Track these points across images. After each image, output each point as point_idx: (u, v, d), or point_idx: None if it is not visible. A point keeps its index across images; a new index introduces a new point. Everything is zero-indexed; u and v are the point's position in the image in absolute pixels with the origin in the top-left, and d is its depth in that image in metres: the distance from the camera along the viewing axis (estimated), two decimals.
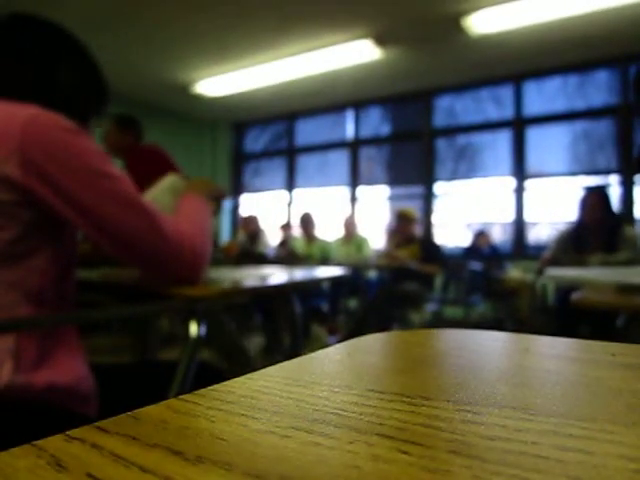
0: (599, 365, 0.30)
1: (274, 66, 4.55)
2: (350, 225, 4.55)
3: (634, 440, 0.18)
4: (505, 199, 4.88)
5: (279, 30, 3.92)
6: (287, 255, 4.25)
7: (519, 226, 4.77)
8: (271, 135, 6.56)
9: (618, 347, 0.35)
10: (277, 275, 1.25)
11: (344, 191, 5.87)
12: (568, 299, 1.23)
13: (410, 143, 5.48)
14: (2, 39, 0.79)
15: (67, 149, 0.72)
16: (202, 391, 0.26)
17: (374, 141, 5.80)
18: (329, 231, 4.97)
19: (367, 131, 5.78)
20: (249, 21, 3.78)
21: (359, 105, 5.70)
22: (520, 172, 4.76)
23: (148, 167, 2.28)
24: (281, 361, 0.32)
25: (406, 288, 3.62)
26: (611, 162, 4.45)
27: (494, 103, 4.98)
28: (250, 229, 4.75)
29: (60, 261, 0.78)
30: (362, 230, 4.68)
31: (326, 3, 3.47)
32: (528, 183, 4.75)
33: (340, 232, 4.62)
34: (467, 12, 3.52)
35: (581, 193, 2.89)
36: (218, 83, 5.02)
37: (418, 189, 5.36)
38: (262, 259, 3.79)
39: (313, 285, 3.83)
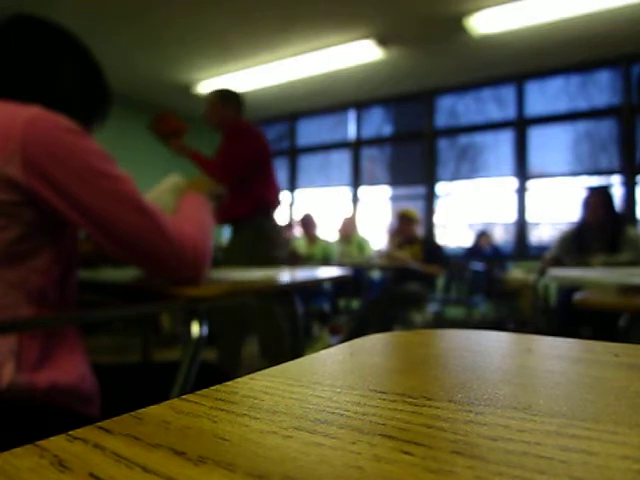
0: (602, 365, 0.30)
1: (276, 66, 4.55)
2: (347, 226, 4.54)
3: (638, 441, 0.18)
4: (507, 199, 4.87)
5: (281, 30, 3.93)
6: (289, 255, 4.25)
7: (521, 226, 4.77)
8: (273, 135, 6.56)
9: (621, 347, 0.35)
10: (279, 275, 1.25)
11: (346, 191, 5.87)
12: (570, 299, 1.23)
13: (412, 143, 5.48)
14: (4, 39, 0.79)
15: (68, 149, 0.72)
16: (204, 391, 0.26)
17: (376, 141, 5.80)
18: (331, 232, 4.97)
19: (369, 131, 5.78)
20: (251, 22, 3.78)
21: (361, 105, 5.70)
22: (522, 172, 4.76)
23: (245, 143, 2.33)
24: (283, 361, 0.32)
25: (408, 288, 3.62)
26: (613, 162, 4.44)
27: (496, 103, 4.98)
28: None
29: (61, 261, 0.78)
30: (362, 230, 4.67)
31: (328, 3, 3.48)
32: (530, 183, 4.75)
33: (339, 233, 4.61)
34: (469, 12, 3.51)
35: (583, 193, 2.89)
36: (220, 83, 5.03)
37: (420, 189, 5.36)
38: None
39: (315, 285, 3.83)
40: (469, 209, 5.19)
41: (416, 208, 4.53)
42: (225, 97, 2.43)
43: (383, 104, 5.68)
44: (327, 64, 4.45)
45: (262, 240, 2.36)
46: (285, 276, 1.24)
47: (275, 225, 2.44)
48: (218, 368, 1.05)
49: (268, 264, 2.14)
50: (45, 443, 0.19)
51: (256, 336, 2.57)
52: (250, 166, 2.31)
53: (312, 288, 4.01)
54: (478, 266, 4.09)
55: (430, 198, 5.27)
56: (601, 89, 4.52)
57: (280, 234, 2.48)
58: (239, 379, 0.28)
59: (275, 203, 2.44)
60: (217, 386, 0.27)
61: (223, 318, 2.41)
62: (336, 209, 5.80)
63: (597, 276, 1.24)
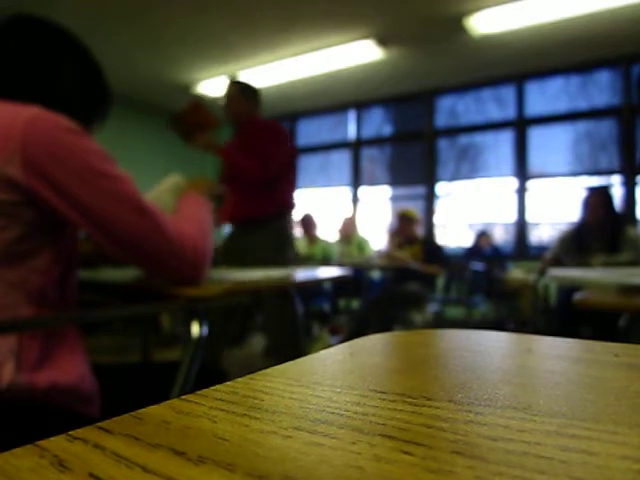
0: (602, 365, 0.30)
1: (276, 66, 4.55)
2: (347, 226, 4.54)
3: (638, 441, 0.18)
4: (507, 199, 4.87)
5: (281, 30, 3.93)
6: None
7: (521, 226, 4.77)
8: None
9: (621, 347, 0.35)
10: (279, 275, 1.25)
11: (346, 191, 5.87)
12: (570, 300, 1.23)
13: (412, 143, 5.48)
14: (4, 39, 0.79)
15: (68, 149, 0.72)
16: (204, 391, 0.26)
17: (376, 141, 5.80)
18: (331, 232, 4.97)
19: (369, 131, 5.78)
20: (251, 22, 3.78)
21: (361, 105, 5.70)
22: (522, 172, 4.76)
23: (281, 141, 2.33)
24: (283, 361, 0.32)
25: (408, 288, 3.62)
26: (613, 162, 4.44)
27: (496, 103, 4.98)
28: None
29: (61, 261, 0.78)
30: (362, 231, 4.68)
31: (328, 3, 3.48)
32: (530, 183, 4.74)
33: (339, 233, 4.61)
34: (469, 12, 3.51)
35: (583, 193, 2.89)
36: (220, 83, 5.03)
37: (420, 189, 5.36)
38: None
39: (315, 285, 3.83)
40: (469, 209, 5.19)
41: (416, 208, 4.53)
42: (246, 91, 2.42)
43: (383, 104, 5.68)
44: (327, 64, 4.45)
45: (283, 242, 2.38)
46: (288, 276, 1.24)
47: (292, 227, 2.46)
48: (218, 368, 1.05)
49: (284, 265, 2.14)
50: (45, 443, 0.19)
51: (264, 335, 2.58)
52: (283, 165, 2.33)
53: (312, 288, 4.01)
54: (478, 266, 4.09)
55: (430, 198, 5.27)
56: (601, 89, 4.52)
57: (294, 236, 2.50)
58: (239, 379, 0.28)
59: (294, 204, 2.45)
60: (217, 386, 0.27)
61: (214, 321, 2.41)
62: (336, 209, 5.80)
63: (597, 276, 1.24)
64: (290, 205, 2.42)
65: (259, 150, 2.26)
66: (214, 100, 5.54)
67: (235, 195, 2.36)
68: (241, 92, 2.40)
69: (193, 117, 2.01)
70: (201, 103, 2.06)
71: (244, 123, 2.39)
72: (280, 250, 2.34)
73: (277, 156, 2.29)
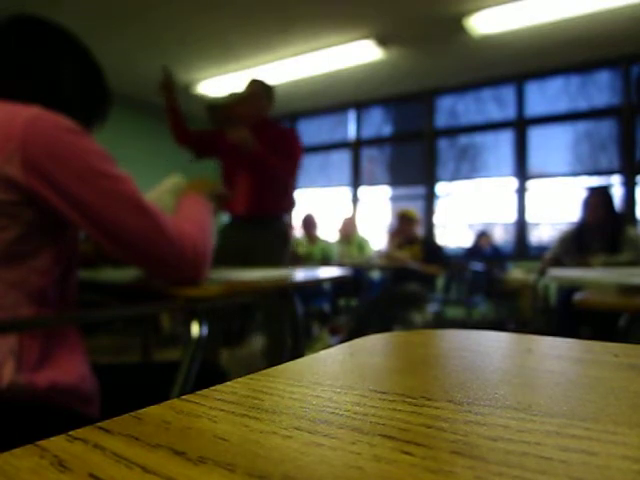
0: (602, 366, 0.30)
1: (276, 66, 4.55)
2: (347, 226, 4.54)
3: (637, 441, 0.18)
4: (507, 199, 4.87)
5: (281, 31, 3.93)
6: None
7: (521, 227, 4.77)
8: None
9: (620, 347, 0.35)
10: (279, 275, 1.25)
11: (346, 191, 5.87)
12: (570, 300, 1.23)
13: (412, 143, 5.48)
14: (4, 40, 0.79)
15: (68, 149, 0.72)
16: (204, 391, 0.26)
17: (376, 141, 5.80)
18: (331, 232, 4.97)
19: (369, 131, 5.78)
20: (251, 22, 3.78)
21: (361, 105, 5.70)
22: (522, 172, 4.76)
23: (300, 145, 2.39)
24: (283, 361, 0.32)
25: (408, 289, 3.62)
26: (613, 163, 4.44)
27: (496, 103, 4.98)
28: None
29: (62, 261, 0.78)
30: (362, 231, 4.68)
31: (328, 4, 3.48)
32: (530, 183, 4.75)
33: (339, 233, 4.62)
34: (469, 12, 3.51)
35: (583, 193, 2.89)
36: (220, 83, 5.03)
37: (420, 189, 5.36)
38: None
39: (315, 285, 3.83)
40: (469, 209, 5.19)
41: (416, 208, 4.53)
42: (269, 90, 2.41)
43: (383, 104, 5.68)
44: (327, 64, 4.45)
45: (289, 241, 2.47)
46: (286, 276, 1.24)
47: (291, 227, 2.53)
48: (218, 368, 1.05)
49: (287, 265, 2.22)
50: (45, 443, 0.19)
51: (263, 335, 2.61)
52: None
53: (312, 288, 4.01)
54: (478, 266, 4.09)
55: (430, 198, 5.27)
56: (601, 89, 4.52)
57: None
58: (239, 379, 0.28)
59: (295, 205, 2.51)
60: (217, 386, 0.27)
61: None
62: (336, 209, 5.80)
63: (597, 276, 1.24)
64: (294, 206, 2.48)
65: (287, 151, 2.31)
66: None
67: (250, 191, 2.35)
68: (265, 91, 2.38)
69: (237, 110, 2.02)
70: (247, 99, 2.07)
71: (262, 122, 2.37)
72: (287, 249, 2.43)
73: (300, 158, 2.38)
